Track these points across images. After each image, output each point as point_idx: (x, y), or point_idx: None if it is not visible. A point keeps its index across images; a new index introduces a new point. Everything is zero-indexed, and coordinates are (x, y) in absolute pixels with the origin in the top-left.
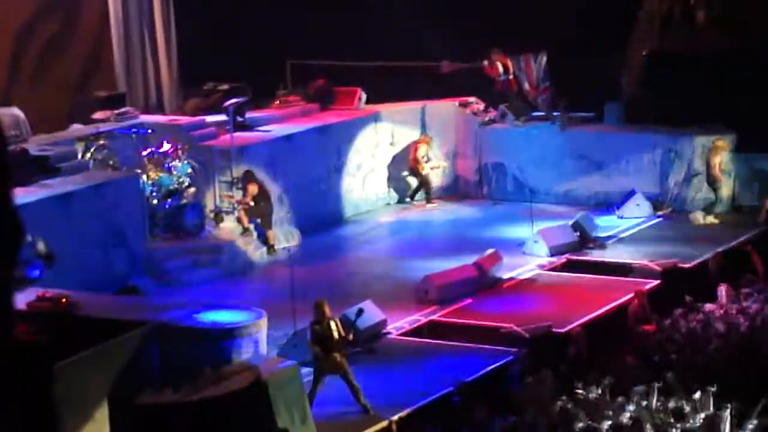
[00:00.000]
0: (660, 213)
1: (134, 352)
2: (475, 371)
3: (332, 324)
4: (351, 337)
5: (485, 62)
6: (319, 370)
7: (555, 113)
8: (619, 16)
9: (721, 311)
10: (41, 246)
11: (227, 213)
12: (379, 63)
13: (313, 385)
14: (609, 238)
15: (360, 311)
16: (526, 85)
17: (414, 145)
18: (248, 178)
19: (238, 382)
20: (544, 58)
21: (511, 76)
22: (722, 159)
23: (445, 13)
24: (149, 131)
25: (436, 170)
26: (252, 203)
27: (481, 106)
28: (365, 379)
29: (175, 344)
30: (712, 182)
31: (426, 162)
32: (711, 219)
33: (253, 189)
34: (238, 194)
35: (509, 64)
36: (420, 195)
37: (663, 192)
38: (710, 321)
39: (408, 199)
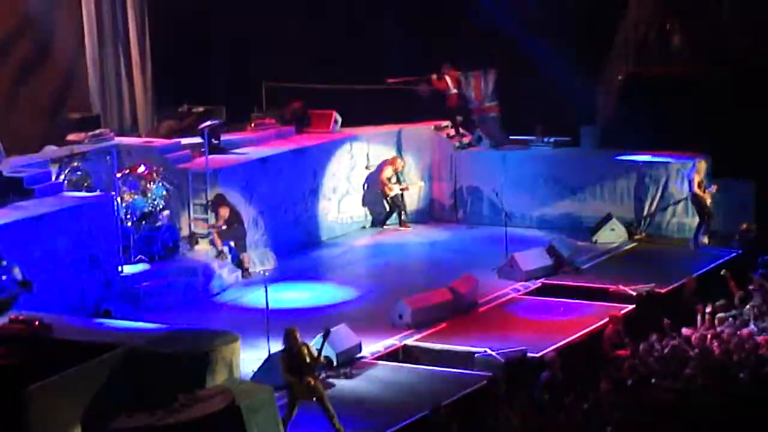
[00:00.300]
0: (635, 238)
1: (108, 375)
2: (450, 396)
3: (303, 349)
4: (322, 359)
5: (434, 76)
6: (293, 396)
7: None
8: (595, 40)
9: (696, 335)
10: (17, 272)
11: (201, 236)
12: (354, 86)
13: (288, 411)
14: (584, 262)
15: (327, 331)
16: (474, 102)
17: (381, 167)
18: (219, 201)
19: (212, 405)
20: (493, 77)
21: (455, 91)
22: (703, 180)
23: (421, 35)
24: (123, 153)
25: (412, 191)
26: (225, 227)
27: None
28: (340, 404)
29: (149, 368)
30: (697, 203)
31: (394, 183)
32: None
33: (224, 212)
34: (211, 218)
35: (458, 78)
36: (393, 219)
37: (638, 217)
38: (685, 346)
39: (380, 225)
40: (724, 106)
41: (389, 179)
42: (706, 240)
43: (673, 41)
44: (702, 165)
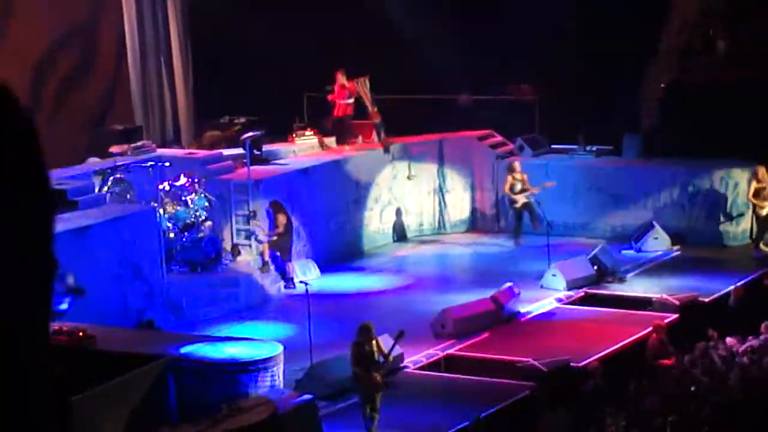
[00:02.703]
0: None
1: (151, 386)
2: (492, 406)
3: (374, 345)
4: (391, 358)
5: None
6: (362, 390)
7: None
8: (639, 47)
9: (742, 347)
10: (71, 279)
11: (244, 246)
12: (397, 96)
13: (364, 408)
14: (627, 271)
15: (400, 333)
16: (369, 108)
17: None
18: (277, 209)
19: (255, 416)
20: (368, 82)
21: (351, 101)
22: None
23: (463, 46)
24: (166, 164)
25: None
26: (284, 233)
27: (499, 138)
28: (382, 413)
29: (192, 378)
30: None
31: (516, 193)
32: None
33: (282, 219)
34: (253, 224)
35: (353, 87)
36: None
37: (686, 225)
38: (732, 356)
39: (513, 238)
40: None
41: (511, 189)
42: (766, 248)
43: (717, 47)
44: (762, 171)
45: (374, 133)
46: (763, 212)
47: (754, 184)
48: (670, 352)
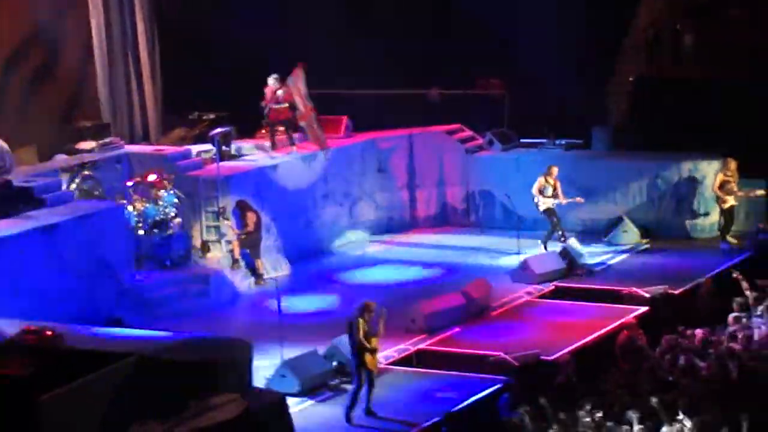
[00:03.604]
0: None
1: (119, 384)
2: (463, 400)
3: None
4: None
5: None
6: (365, 366)
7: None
8: (607, 41)
9: (713, 338)
10: None
11: (213, 243)
12: (366, 91)
13: (359, 387)
14: (597, 264)
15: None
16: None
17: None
18: (245, 207)
19: (225, 413)
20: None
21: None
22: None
23: (433, 40)
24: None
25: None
26: (253, 232)
27: (468, 133)
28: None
29: (162, 376)
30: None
31: (547, 196)
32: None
33: (252, 217)
34: (223, 224)
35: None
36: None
37: (655, 218)
38: (703, 346)
39: (542, 243)
40: (737, 106)
41: (540, 191)
42: (732, 240)
43: (684, 42)
44: (733, 165)
45: (288, 137)
46: (726, 205)
47: (720, 176)
48: (642, 348)
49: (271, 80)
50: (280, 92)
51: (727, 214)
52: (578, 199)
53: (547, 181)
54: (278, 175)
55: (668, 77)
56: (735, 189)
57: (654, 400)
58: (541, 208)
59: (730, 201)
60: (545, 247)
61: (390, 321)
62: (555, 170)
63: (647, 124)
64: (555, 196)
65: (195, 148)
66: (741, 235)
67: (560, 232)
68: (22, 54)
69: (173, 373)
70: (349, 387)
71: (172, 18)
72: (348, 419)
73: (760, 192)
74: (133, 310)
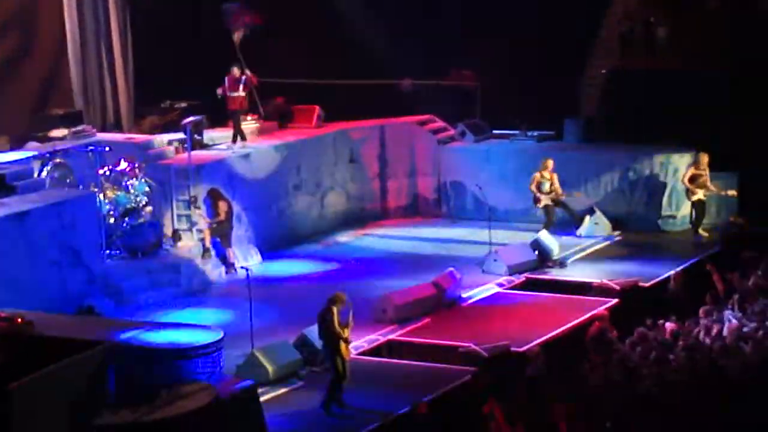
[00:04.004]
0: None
1: (91, 372)
2: (434, 390)
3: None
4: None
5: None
6: (340, 356)
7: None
8: (580, 33)
9: (683, 330)
10: None
11: (185, 232)
12: (338, 81)
13: (337, 378)
14: (568, 257)
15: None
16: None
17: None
18: (216, 196)
19: (195, 402)
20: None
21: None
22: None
23: (405, 31)
24: (106, 149)
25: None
26: (224, 220)
27: (440, 124)
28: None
29: (132, 364)
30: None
31: (544, 193)
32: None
33: (223, 206)
34: (194, 213)
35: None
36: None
37: (626, 210)
38: (672, 339)
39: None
40: (709, 98)
41: (538, 187)
42: (704, 233)
43: (657, 34)
44: (703, 158)
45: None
46: (694, 197)
47: (692, 170)
48: (612, 341)
49: (235, 68)
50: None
51: (698, 208)
52: (576, 193)
53: (543, 176)
54: (250, 164)
55: (641, 69)
56: (707, 184)
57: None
58: (541, 204)
59: (699, 194)
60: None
61: (360, 312)
62: (550, 163)
63: (620, 117)
64: (552, 191)
65: (163, 138)
66: (712, 228)
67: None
68: None
69: (144, 362)
70: (318, 376)
71: (145, 6)
72: (326, 410)
73: (732, 192)
74: (104, 298)
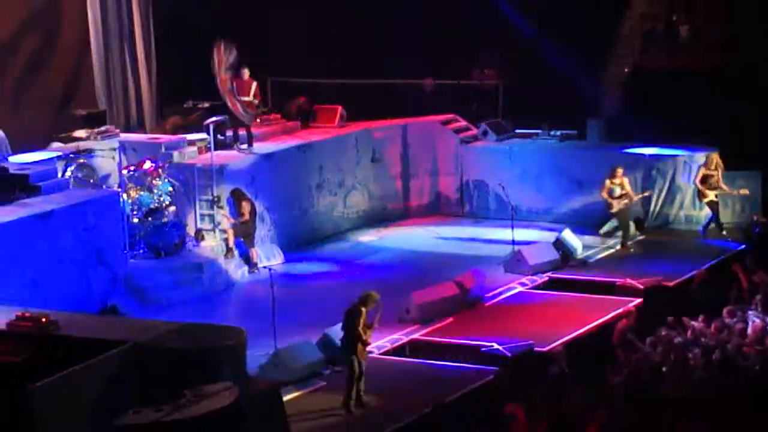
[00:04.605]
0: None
1: (114, 372)
2: (456, 390)
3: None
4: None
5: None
6: (356, 356)
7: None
8: (602, 32)
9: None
10: None
11: (208, 231)
12: (360, 81)
13: (352, 377)
14: (591, 256)
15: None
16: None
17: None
18: (239, 196)
19: (219, 401)
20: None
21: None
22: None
23: (426, 31)
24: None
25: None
26: (248, 220)
27: (463, 123)
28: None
29: (155, 364)
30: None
31: (615, 198)
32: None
33: (246, 206)
34: (218, 213)
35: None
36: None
37: (649, 210)
38: (695, 339)
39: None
40: (732, 97)
41: (609, 194)
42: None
43: (680, 33)
44: (713, 157)
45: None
46: (706, 200)
47: (702, 170)
48: (633, 342)
49: (245, 72)
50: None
51: (712, 209)
52: (646, 192)
53: (612, 182)
54: (272, 164)
55: (664, 68)
56: (719, 184)
57: None
58: (614, 210)
59: (711, 196)
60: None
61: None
62: (620, 171)
63: (642, 116)
64: (624, 195)
65: (190, 137)
66: (735, 227)
67: (624, 234)
68: (17, 41)
69: (167, 361)
70: (341, 375)
71: (168, 6)
72: (348, 408)
73: (744, 191)
74: (127, 298)
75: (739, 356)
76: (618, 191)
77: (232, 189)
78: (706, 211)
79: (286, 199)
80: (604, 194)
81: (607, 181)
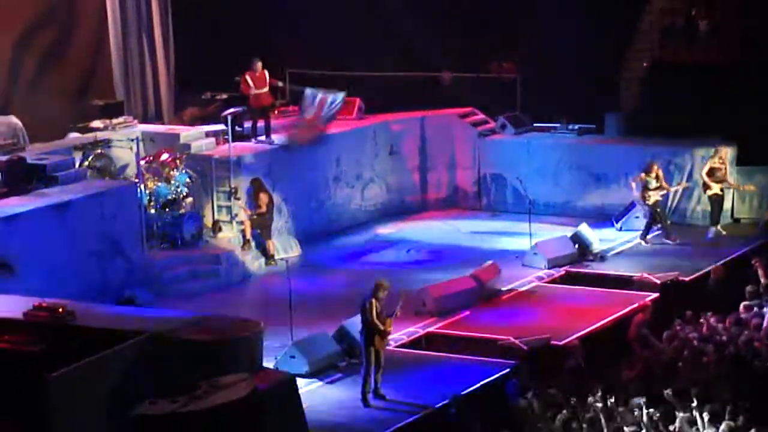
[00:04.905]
0: (659, 226)
1: (130, 362)
2: (472, 383)
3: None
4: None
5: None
6: (373, 346)
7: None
8: (621, 26)
9: (720, 325)
10: None
11: (225, 223)
12: (378, 73)
13: (368, 368)
14: (608, 250)
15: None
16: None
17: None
18: (258, 186)
19: (235, 393)
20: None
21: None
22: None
23: (445, 24)
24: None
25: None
26: (265, 212)
27: (481, 116)
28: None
29: (172, 355)
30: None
31: (652, 190)
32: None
33: (264, 198)
34: (235, 204)
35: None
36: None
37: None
38: (710, 335)
39: (642, 238)
40: (751, 92)
41: (645, 187)
42: (714, 229)
43: (699, 27)
44: (723, 151)
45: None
46: (710, 192)
47: (710, 163)
48: (648, 337)
49: (258, 64)
50: (250, 80)
51: (713, 203)
52: (684, 183)
53: (648, 176)
54: (290, 156)
55: (682, 62)
56: (726, 177)
57: (667, 392)
58: (651, 201)
59: (715, 189)
60: (644, 240)
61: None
62: (655, 165)
63: (660, 110)
64: (660, 187)
65: (203, 129)
66: (754, 222)
67: (663, 226)
68: (35, 31)
69: (184, 352)
70: (357, 367)
71: None
72: (364, 401)
73: (750, 187)
74: (144, 288)
75: (751, 352)
76: (654, 183)
77: (253, 178)
78: (725, 206)
79: (303, 191)
80: (634, 186)
81: (642, 175)
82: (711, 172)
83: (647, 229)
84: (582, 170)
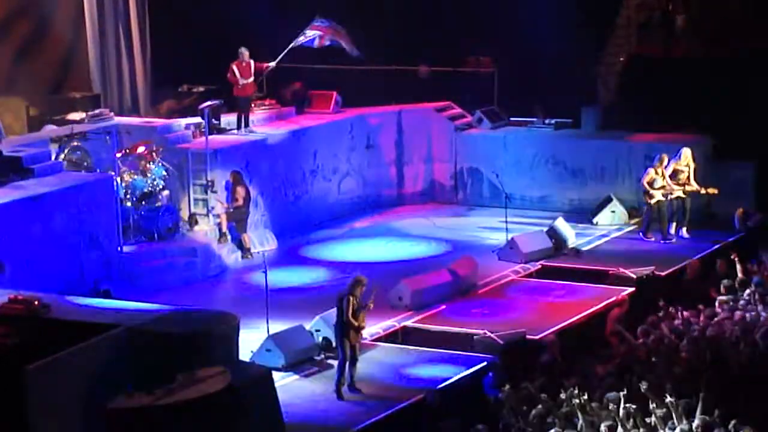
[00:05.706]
0: (635, 221)
1: (106, 355)
2: (448, 378)
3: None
4: (371, 307)
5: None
6: (348, 340)
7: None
8: (598, 21)
9: (694, 320)
10: None
11: (201, 216)
12: (355, 66)
13: (343, 361)
14: (584, 245)
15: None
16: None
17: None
18: (237, 180)
19: (211, 386)
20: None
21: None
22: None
23: (422, 17)
24: (126, 133)
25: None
26: (241, 206)
27: (458, 110)
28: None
29: (148, 348)
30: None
31: (657, 188)
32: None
33: (241, 191)
34: (211, 197)
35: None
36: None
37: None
38: (684, 329)
39: (643, 235)
40: (726, 87)
41: (650, 184)
42: (672, 230)
43: (676, 22)
44: (687, 154)
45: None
46: (652, 201)
47: (673, 164)
48: (620, 331)
49: (245, 53)
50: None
51: (653, 212)
52: (713, 189)
53: (657, 172)
54: (267, 149)
55: (659, 56)
56: (687, 181)
57: (643, 386)
58: (653, 201)
59: (657, 196)
60: (644, 235)
61: (377, 297)
62: (666, 160)
63: (637, 104)
64: (665, 187)
65: (180, 122)
66: (729, 218)
67: (673, 224)
68: (12, 24)
69: (160, 345)
70: (335, 362)
71: None
72: (339, 394)
73: (712, 190)
74: (120, 281)
75: (727, 347)
76: (660, 182)
77: (233, 171)
78: (701, 201)
79: (280, 184)
80: (646, 183)
81: (652, 170)
82: (674, 175)
83: (647, 225)
84: (558, 164)
